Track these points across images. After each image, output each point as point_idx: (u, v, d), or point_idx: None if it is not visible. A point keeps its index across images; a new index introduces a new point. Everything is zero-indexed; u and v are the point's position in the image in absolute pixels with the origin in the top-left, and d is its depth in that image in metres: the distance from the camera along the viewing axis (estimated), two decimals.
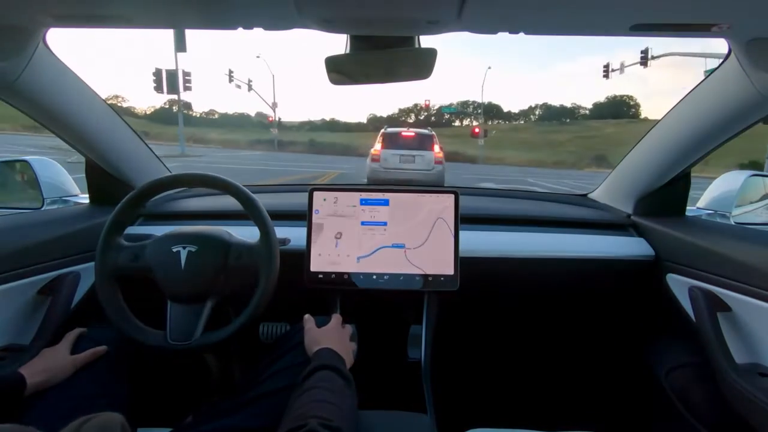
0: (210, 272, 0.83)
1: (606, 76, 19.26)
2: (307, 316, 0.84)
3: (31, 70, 0.79)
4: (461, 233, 1.01)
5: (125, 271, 0.83)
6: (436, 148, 7.65)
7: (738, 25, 0.63)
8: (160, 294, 0.83)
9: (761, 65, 0.71)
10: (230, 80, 24.46)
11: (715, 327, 0.84)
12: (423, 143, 7.68)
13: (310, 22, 0.64)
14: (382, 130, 8.05)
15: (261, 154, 24.42)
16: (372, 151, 7.76)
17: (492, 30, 0.65)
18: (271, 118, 34.44)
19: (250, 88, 26.89)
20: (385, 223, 1.01)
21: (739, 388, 0.77)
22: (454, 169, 17.69)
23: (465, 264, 1.00)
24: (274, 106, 32.11)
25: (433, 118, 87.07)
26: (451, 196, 1.01)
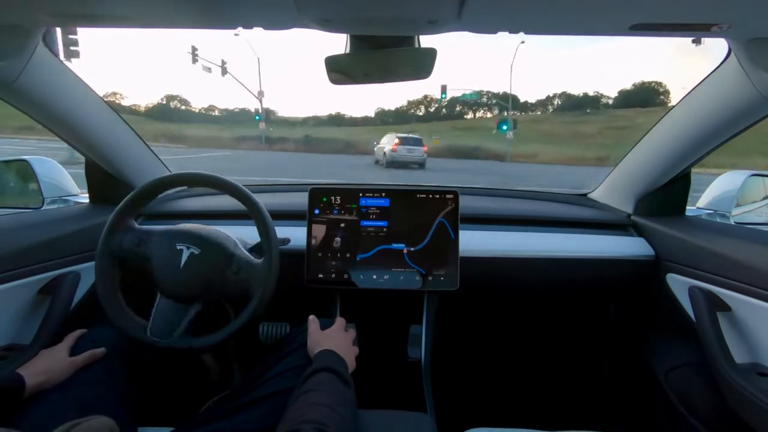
0: (206, 278, 0.82)
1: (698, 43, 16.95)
2: (312, 317, 0.83)
3: (30, 69, 0.79)
4: (461, 233, 1.01)
5: (125, 254, 0.83)
6: (423, 146, 15.97)
7: (738, 25, 0.63)
8: (151, 288, 0.83)
9: (761, 65, 0.71)
10: (194, 60, 18.91)
11: (714, 327, 0.84)
12: (417, 143, 15.90)
13: (310, 21, 0.64)
14: (396, 135, 16.07)
15: (241, 153, 20.35)
16: (392, 146, 15.37)
17: (492, 30, 0.65)
18: (258, 109, 27.90)
19: (224, 71, 21.36)
20: (385, 223, 1.01)
21: (739, 388, 0.77)
22: (482, 172, 14.63)
23: (465, 264, 1.00)
24: (260, 95, 27.33)
25: (444, 110, 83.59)
26: (452, 196, 1.01)
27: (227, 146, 26.11)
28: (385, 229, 1.01)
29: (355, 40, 0.75)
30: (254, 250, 0.95)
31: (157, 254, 0.82)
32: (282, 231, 0.91)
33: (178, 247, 0.82)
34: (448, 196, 1.01)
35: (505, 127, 24.35)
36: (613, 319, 1.31)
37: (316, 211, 1.01)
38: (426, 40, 0.75)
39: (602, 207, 1.28)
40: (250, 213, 0.85)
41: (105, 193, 1.15)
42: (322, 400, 0.59)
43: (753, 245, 0.87)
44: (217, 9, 0.62)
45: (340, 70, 0.80)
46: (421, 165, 15.31)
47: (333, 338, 0.77)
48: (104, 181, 1.13)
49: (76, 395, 0.69)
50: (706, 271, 0.90)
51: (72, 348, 0.77)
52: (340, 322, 0.84)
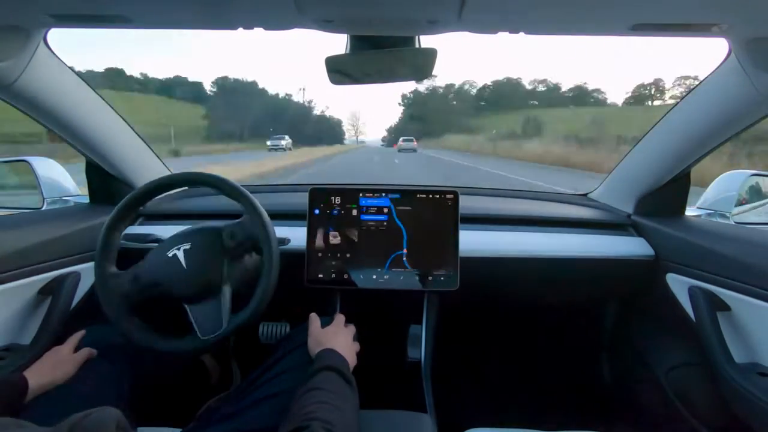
0: (213, 261, 0.82)
1: None
2: (312, 314, 0.84)
3: (31, 70, 0.79)
4: (461, 233, 1.01)
5: (135, 297, 0.81)
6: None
7: (738, 25, 0.63)
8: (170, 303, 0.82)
9: (761, 65, 0.71)
10: None
11: (714, 327, 0.84)
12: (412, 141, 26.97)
13: (310, 22, 0.64)
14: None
15: None
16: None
17: (492, 30, 0.66)
18: None
19: None
20: (385, 223, 1.01)
21: (739, 387, 0.77)
22: None
23: (465, 264, 1.00)
24: None
25: None
26: (451, 196, 1.01)
27: None
28: (385, 229, 1.01)
29: (356, 41, 0.75)
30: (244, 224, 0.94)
31: (160, 274, 0.81)
32: (282, 231, 0.91)
33: (171, 255, 0.82)
34: (448, 196, 1.01)
35: None
36: (613, 318, 1.31)
37: (316, 211, 1.01)
38: (426, 40, 0.75)
39: (602, 207, 1.28)
40: (247, 213, 0.85)
41: (105, 193, 1.15)
42: (327, 399, 0.59)
43: (753, 245, 0.87)
44: (217, 10, 0.62)
45: (340, 71, 0.81)
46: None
47: (333, 336, 0.78)
48: (104, 181, 1.13)
49: (78, 394, 0.70)
50: (706, 271, 0.90)
51: (75, 349, 0.78)
52: (339, 318, 0.84)
